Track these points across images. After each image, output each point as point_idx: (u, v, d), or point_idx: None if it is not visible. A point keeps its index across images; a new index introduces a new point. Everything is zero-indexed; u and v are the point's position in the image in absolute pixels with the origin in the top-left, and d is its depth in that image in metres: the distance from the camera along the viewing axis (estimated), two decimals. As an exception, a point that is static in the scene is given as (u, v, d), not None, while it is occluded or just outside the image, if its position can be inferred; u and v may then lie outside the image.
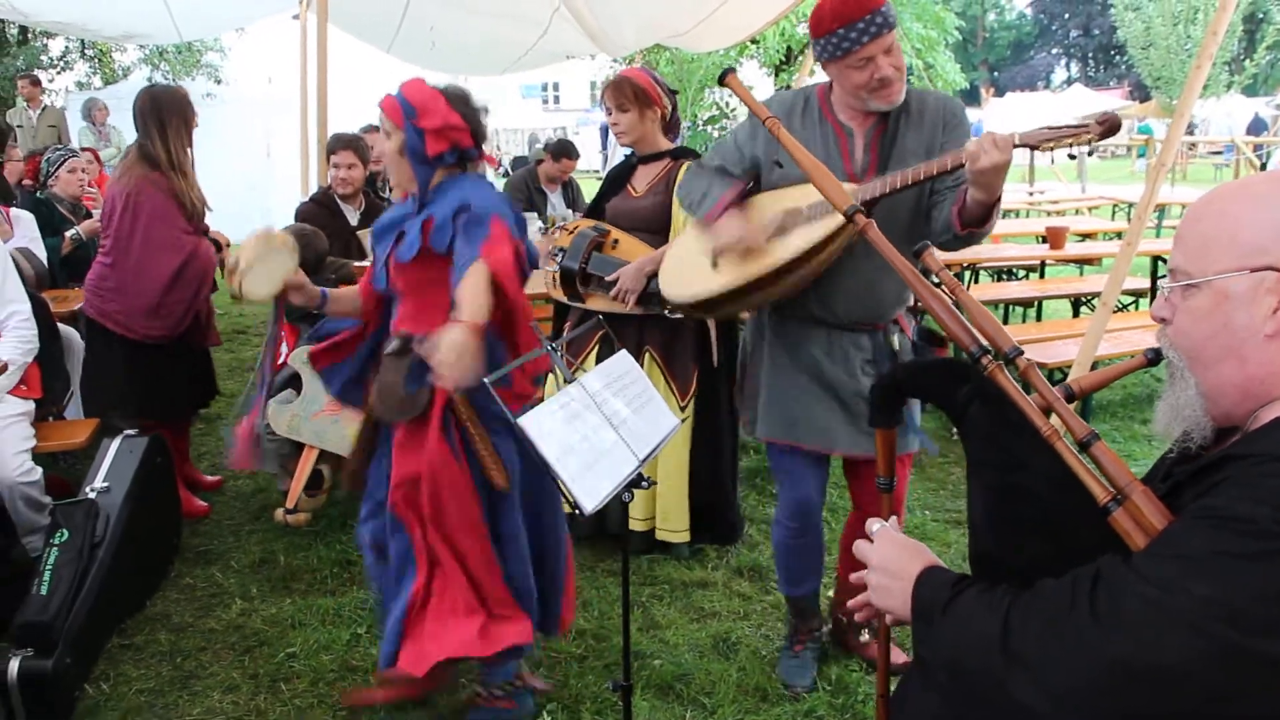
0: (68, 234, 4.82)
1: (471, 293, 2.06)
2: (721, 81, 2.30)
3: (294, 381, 3.71)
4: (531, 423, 1.81)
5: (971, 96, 34.40)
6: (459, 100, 2.30)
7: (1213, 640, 0.95)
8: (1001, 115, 24.43)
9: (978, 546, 1.29)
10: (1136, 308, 6.53)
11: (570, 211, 6.04)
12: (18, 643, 2.56)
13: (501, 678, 2.52)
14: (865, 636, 2.86)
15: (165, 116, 3.55)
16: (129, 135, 4.43)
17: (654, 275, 3.08)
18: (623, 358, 2.21)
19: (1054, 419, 1.24)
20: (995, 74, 49.69)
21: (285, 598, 3.23)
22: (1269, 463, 1.02)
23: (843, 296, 2.43)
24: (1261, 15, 26.86)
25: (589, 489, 1.82)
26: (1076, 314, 6.30)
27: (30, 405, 3.40)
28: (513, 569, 2.38)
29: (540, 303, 3.98)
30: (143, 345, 3.62)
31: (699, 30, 6.78)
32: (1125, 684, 0.99)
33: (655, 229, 3.33)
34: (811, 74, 7.37)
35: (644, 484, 1.98)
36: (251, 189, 10.33)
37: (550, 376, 2.65)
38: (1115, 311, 4.94)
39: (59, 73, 15.22)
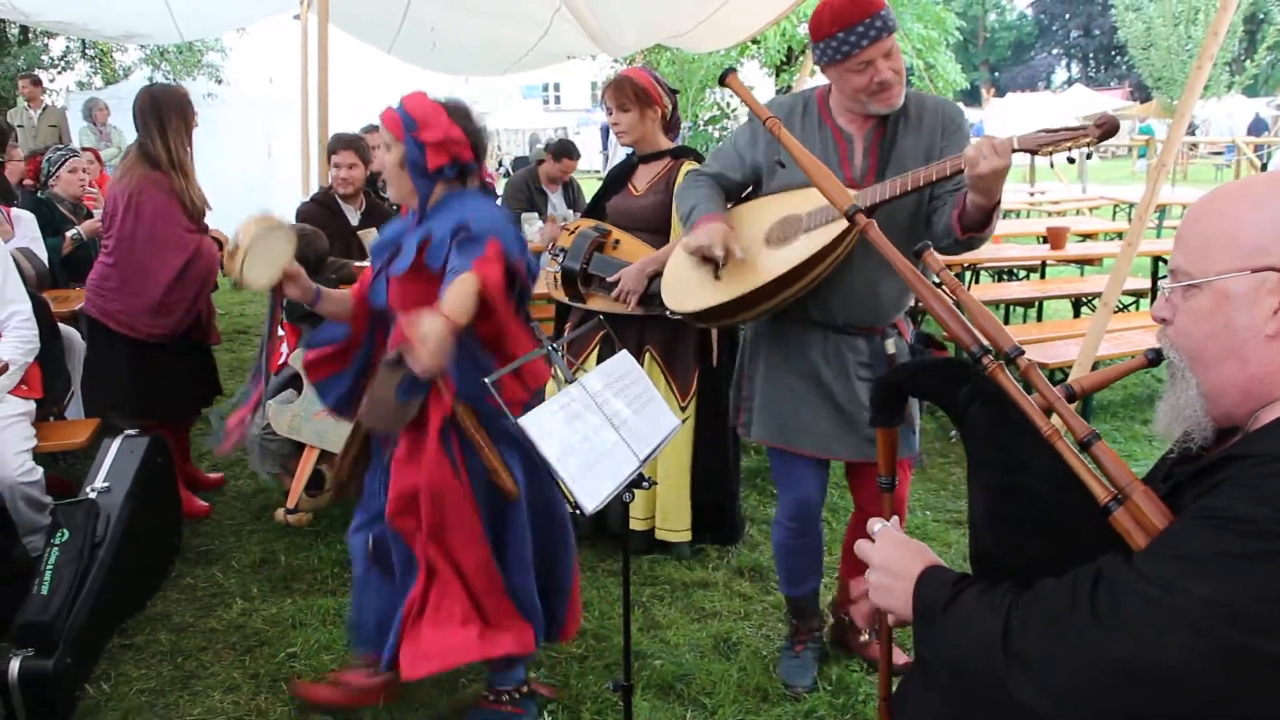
0: (68, 234, 4.83)
1: (456, 293, 2.05)
2: (722, 82, 2.30)
3: (294, 382, 3.71)
4: (532, 423, 1.81)
5: (972, 97, 34.43)
6: (460, 114, 2.28)
7: (1213, 640, 0.95)
8: (1002, 115, 24.44)
9: (978, 546, 1.29)
10: (1137, 308, 6.53)
11: (571, 212, 6.04)
12: (18, 643, 2.57)
13: (508, 683, 2.52)
14: (866, 636, 2.86)
15: (165, 116, 3.55)
16: (130, 135, 4.43)
17: (655, 276, 3.08)
18: (623, 358, 2.22)
19: (1055, 419, 1.24)
20: (996, 74, 49.70)
21: (286, 598, 3.23)
22: (1270, 463, 1.02)
23: (841, 299, 2.43)
24: (1262, 16, 26.85)
25: (590, 489, 1.82)
26: (1077, 314, 6.30)
27: (31, 405, 3.40)
28: (516, 579, 2.38)
29: (542, 303, 3.98)
30: (146, 344, 3.62)
31: (700, 31, 6.78)
32: (1126, 684, 0.99)
33: (655, 228, 3.33)
34: (812, 74, 7.37)
35: (645, 484, 1.98)
36: (252, 189, 10.30)
37: (551, 376, 2.66)
38: (1116, 312, 4.93)
39: (60, 73, 15.23)
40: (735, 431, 2.76)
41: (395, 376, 2.21)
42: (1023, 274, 7.49)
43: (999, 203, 2.15)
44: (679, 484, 3.45)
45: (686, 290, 2.51)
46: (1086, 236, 8.02)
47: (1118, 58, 45.09)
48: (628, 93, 3.26)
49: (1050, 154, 2.03)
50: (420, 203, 2.31)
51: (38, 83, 9.45)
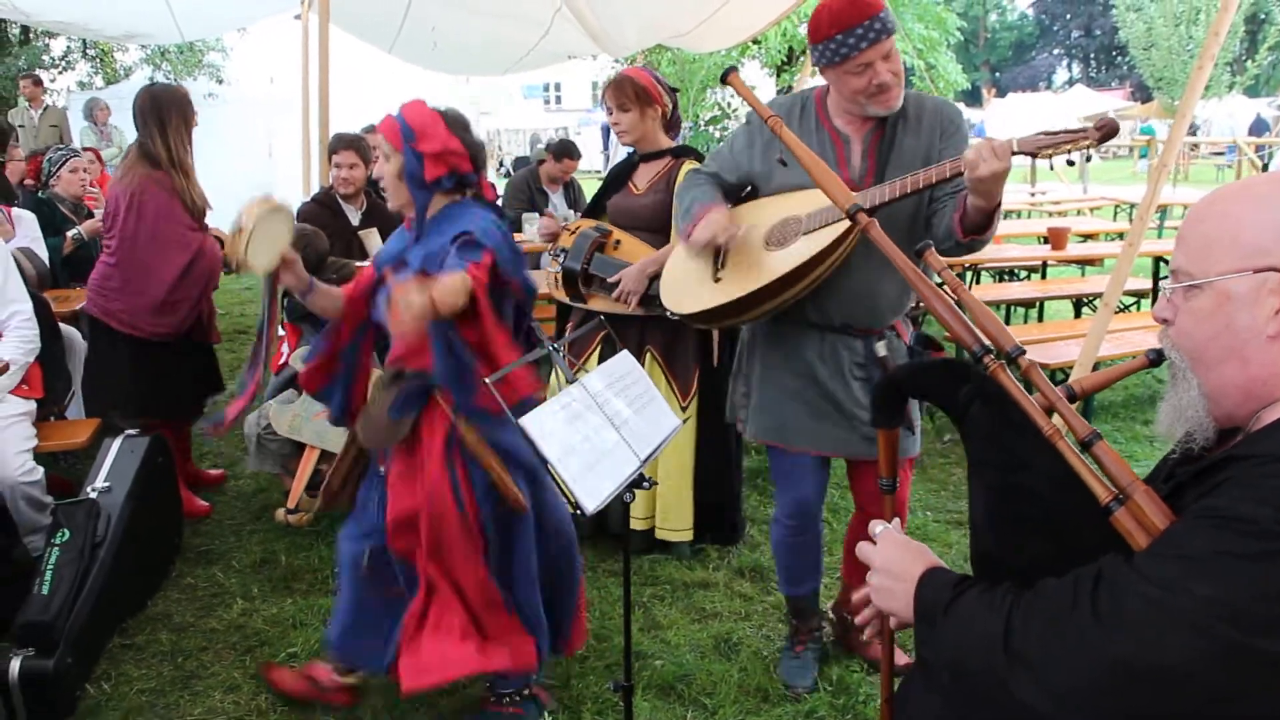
0: (69, 234, 4.83)
1: (447, 280, 2.05)
2: (724, 80, 2.29)
3: (295, 382, 3.71)
4: (533, 422, 1.81)
5: (973, 97, 34.44)
6: (458, 125, 2.27)
7: (1215, 640, 0.95)
8: (1003, 116, 24.47)
9: (979, 546, 1.29)
10: (1138, 308, 6.53)
11: (572, 212, 6.04)
12: (19, 642, 2.57)
13: (510, 685, 2.53)
14: (866, 636, 2.86)
15: (165, 115, 3.55)
16: (130, 135, 4.42)
17: (656, 276, 3.08)
18: (624, 358, 2.22)
19: (1056, 419, 1.24)
20: (997, 74, 49.70)
21: (286, 598, 3.23)
22: (1271, 463, 1.02)
23: (839, 301, 2.43)
24: (1263, 16, 26.84)
25: (590, 489, 1.82)
26: (1078, 315, 6.29)
27: (32, 405, 3.40)
28: (522, 594, 2.39)
29: (543, 303, 3.98)
30: (148, 343, 3.62)
31: (700, 31, 6.79)
32: (1127, 684, 0.99)
33: (656, 227, 3.34)
34: (813, 74, 7.36)
35: (645, 484, 1.98)
36: (253, 189, 10.28)
37: (552, 376, 2.66)
38: (1117, 312, 4.93)
39: (61, 72, 15.25)
40: (737, 432, 2.76)
41: (390, 394, 2.23)
42: (1024, 274, 7.48)
43: (999, 204, 2.15)
44: (680, 484, 3.45)
45: (685, 292, 2.51)
46: (1087, 237, 8.01)
47: (1119, 58, 45.09)
48: (628, 92, 3.26)
49: (1050, 156, 2.02)
50: (418, 213, 2.30)
51: (39, 83, 9.46)
